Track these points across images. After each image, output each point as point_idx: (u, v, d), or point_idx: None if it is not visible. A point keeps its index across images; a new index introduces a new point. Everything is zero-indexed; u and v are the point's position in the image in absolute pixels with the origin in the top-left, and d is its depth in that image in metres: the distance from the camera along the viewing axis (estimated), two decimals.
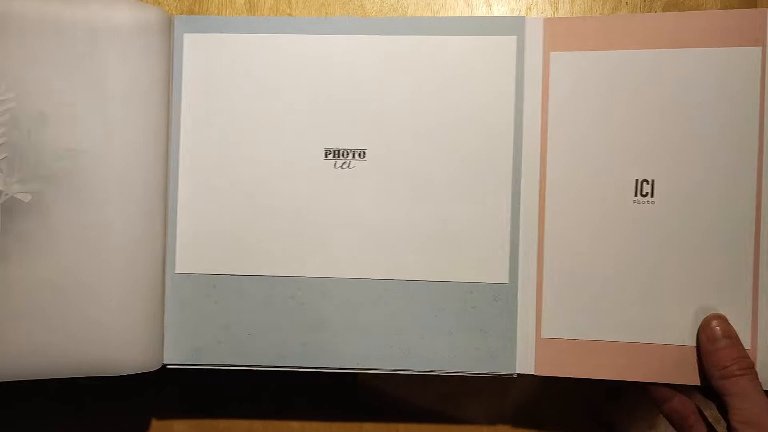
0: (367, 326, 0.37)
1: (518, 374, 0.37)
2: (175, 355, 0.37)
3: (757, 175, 0.35)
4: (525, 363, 0.37)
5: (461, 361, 0.37)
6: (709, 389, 0.35)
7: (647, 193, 0.36)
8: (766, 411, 0.32)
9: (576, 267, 0.37)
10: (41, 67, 0.36)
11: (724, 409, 0.34)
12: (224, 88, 0.38)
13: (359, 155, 0.38)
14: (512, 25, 0.37)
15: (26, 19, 0.35)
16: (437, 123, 0.37)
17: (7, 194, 0.35)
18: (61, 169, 0.36)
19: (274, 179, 0.38)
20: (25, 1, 0.36)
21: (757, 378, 0.34)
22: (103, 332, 0.36)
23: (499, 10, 0.42)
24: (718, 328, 0.35)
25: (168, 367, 0.38)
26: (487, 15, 0.41)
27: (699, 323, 0.36)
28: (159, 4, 0.42)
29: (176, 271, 0.38)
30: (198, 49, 0.38)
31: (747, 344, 0.35)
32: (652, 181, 0.36)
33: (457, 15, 0.41)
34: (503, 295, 0.37)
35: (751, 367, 0.34)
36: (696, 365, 0.36)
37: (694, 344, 0.36)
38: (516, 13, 0.41)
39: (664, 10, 0.41)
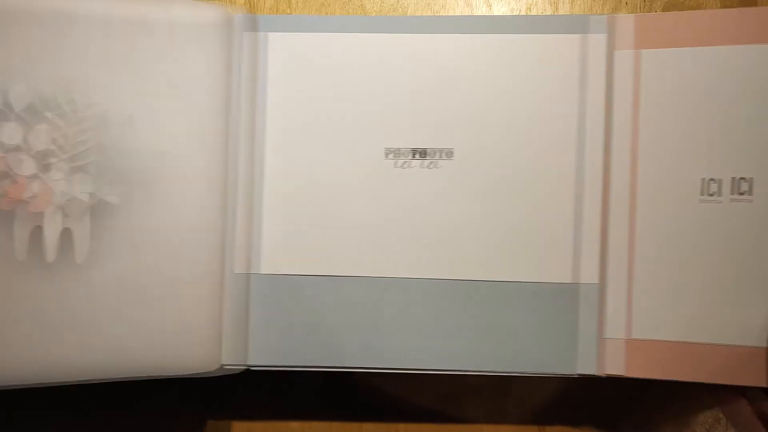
0: (453, 327, 0.37)
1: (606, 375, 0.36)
2: (259, 357, 0.37)
3: None
4: (615, 364, 0.36)
5: (536, 361, 0.36)
6: None
7: (745, 191, 0.35)
8: None
9: (668, 268, 0.36)
10: (127, 69, 0.36)
11: None
12: (308, 88, 0.38)
13: (445, 155, 0.37)
14: (596, 23, 0.37)
15: (113, 22, 0.36)
16: (521, 119, 0.37)
17: (97, 197, 0.35)
18: (146, 171, 0.36)
19: (351, 181, 0.37)
20: (111, 3, 0.36)
21: None
22: (183, 333, 0.36)
23: (499, 10, 0.42)
24: None
25: (252, 369, 0.38)
26: (487, 14, 0.41)
27: None
28: None
29: (261, 272, 0.38)
30: (282, 49, 0.38)
31: None
32: (751, 179, 0.35)
33: (457, 15, 0.42)
34: (586, 295, 0.36)
35: None
36: None
37: None
38: (516, 13, 0.42)
39: (664, 9, 0.41)
